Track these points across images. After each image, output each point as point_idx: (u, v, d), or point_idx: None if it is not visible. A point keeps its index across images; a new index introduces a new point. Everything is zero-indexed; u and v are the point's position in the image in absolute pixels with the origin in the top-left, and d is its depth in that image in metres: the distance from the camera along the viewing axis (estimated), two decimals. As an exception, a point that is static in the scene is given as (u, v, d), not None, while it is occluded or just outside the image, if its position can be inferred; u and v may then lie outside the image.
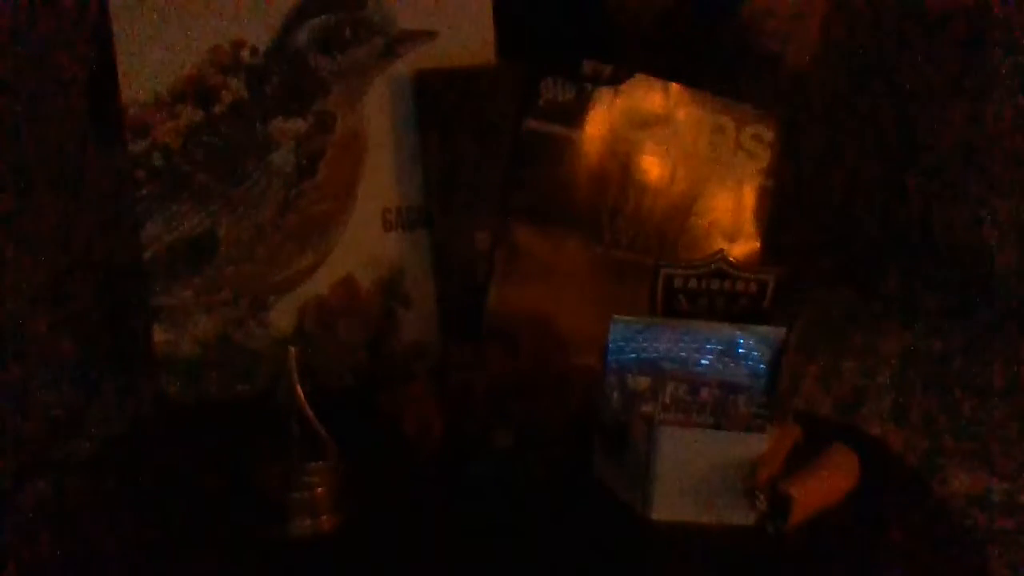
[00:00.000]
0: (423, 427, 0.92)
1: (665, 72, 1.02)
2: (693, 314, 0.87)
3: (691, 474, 0.83)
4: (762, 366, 0.83)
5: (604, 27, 1.05)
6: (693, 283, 0.87)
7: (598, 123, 1.02)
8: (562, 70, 1.02)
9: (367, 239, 1.06)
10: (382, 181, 1.06)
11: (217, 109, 1.03)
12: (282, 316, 1.06)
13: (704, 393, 0.83)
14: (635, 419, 0.84)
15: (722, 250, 0.88)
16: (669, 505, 0.83)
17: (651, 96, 1.03)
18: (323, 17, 1.04)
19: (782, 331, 0.83)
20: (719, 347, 0.83)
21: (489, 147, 1.04)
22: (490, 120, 1.04)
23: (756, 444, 0.82)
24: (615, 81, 1.01)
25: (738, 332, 0.83)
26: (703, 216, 1.04)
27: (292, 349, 0.83)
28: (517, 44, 1.05)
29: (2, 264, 1.12)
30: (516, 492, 0.87)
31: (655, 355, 0.84)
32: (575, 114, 1.02)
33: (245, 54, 1.03)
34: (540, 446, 0.90)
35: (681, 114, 1.03)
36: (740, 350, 0.83)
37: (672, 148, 1.03)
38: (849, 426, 1.14)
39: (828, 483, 0.84)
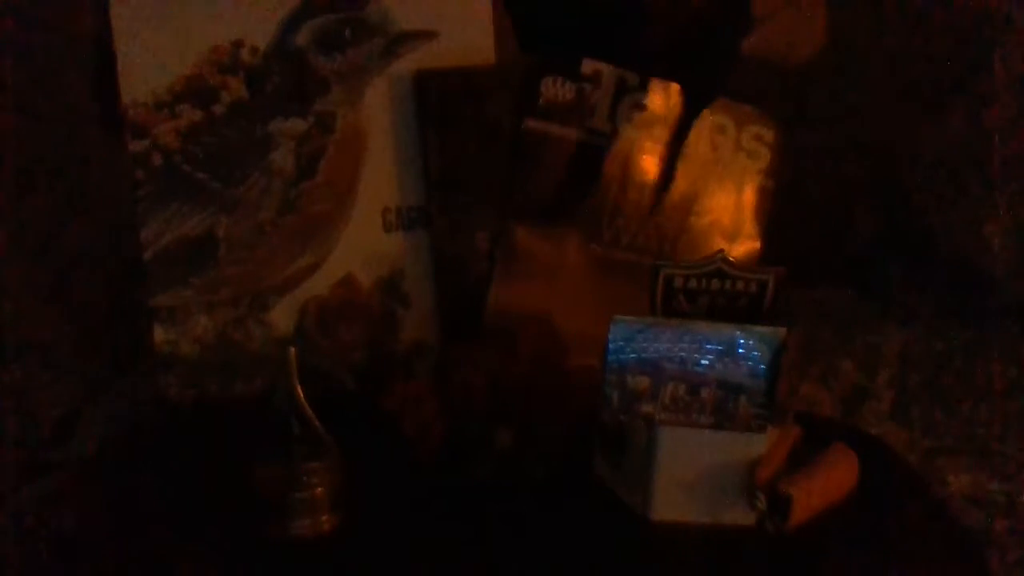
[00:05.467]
0: (423, 427, 0.92)
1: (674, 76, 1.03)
2: (693, 314, 0.87)
3: (691, 474, 0.83)
4: (762, 366, 0.83)
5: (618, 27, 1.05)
6: (693, 283, 0.87)
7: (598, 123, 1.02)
8: (562, 70, 1.02)
9: (367, 239, 1.06)
10: (382, 181, 1.06)
11: (217, 109, 1.03)
12: (282, 316, 1.06)
13: (704, 393, 0.83)
14: (635, 419, 0.84)
15: (722, 250, 0.88)
16: (669, 505, 0.83)
17: (651, 96, 1.03)
18: (323, 17, 1.04)
19: (782, 331, 0.83)
20: (719, 347, 0.83)
21: (489, 147, 1.04)
22: (490, 120, 1.04)
23: (756, 444, 0.82)
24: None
25: (738, 332, 0.83)
26: (703, 216, 1.04)
27: (292, 349, 0.83)
28: (528, 41, 1.05)
29: (2, 264, 1.12)
30: (516, 492, 0.87)
31: (655, 355, 0.84)
32: (575, 114, 1.02)
33: (245, 54, 1.03)
34: (540, 446, 0.90)
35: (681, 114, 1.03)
36: (740, 350, 0.83)
37: (672, 148, 1.03)
38: (849, 426, 1.14)
39: (828, 483, 0.84)
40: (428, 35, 1.05)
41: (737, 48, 1.01)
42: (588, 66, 1.02)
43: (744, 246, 1.05)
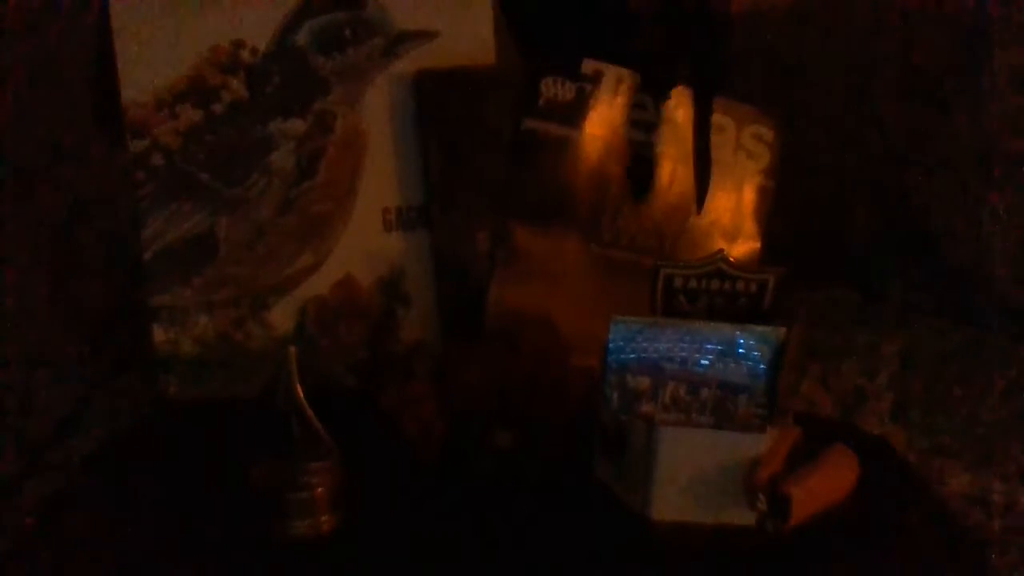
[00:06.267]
0: (423, 427, 0.92)
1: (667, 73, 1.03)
2: (693, 314, 0.87)
3: (691, 474, 0.83)
4: (762, 366, 0.83)
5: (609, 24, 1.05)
6: (693, 283, 0.87)
7: (598, 123, 1.02)
8: (562, 70, 1.02)
9: (367, 239, 1.06)
10: (382, 181, 1.06)
11: (217, 109, 1.03)
12: (282, 316, 1.06)
13: (704, 393, 0.83)
14: (635, 419, 0.84)
15: (722, 250, 0.88)
16: (669, 505, 0.83)
17: (651, 95, 1.03)
18: (323, 17, 1.04)
19: (782, 331, 0.83)
20: (719, 347, 0.83)
21: (489, 147, 1.04)
22: (490, 120, 1.04)
23: (756, 444, 0.82)
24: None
25: (738, 332, 0.83)
26: (703, 216, 1.04)
27: (292, 349, 0.83)
28: (526, 41, 1.05)
29: (2, 264, 1.12)
30: (516, 492, 0.87)
31: (655, 355, 0.84)
32: (575, 114, 1.02)
33: (245, 54, 1.03)
34: (540, 446, 0.90)
35: (681, 114, 1.03)
36: (740, 350, 0.83)
37: (672, 148, 1.03)
38: (849, 426, 1.14)
39: (828, 483, 0.84)
40: (428, 35, 1.05)
41: (729, 14, 1.01)
42: (588, 66, 1.02)
43: (744, 246, 1.05)
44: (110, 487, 0.92)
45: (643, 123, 1.03)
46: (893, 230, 1.17)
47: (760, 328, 0.83)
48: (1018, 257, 1.15)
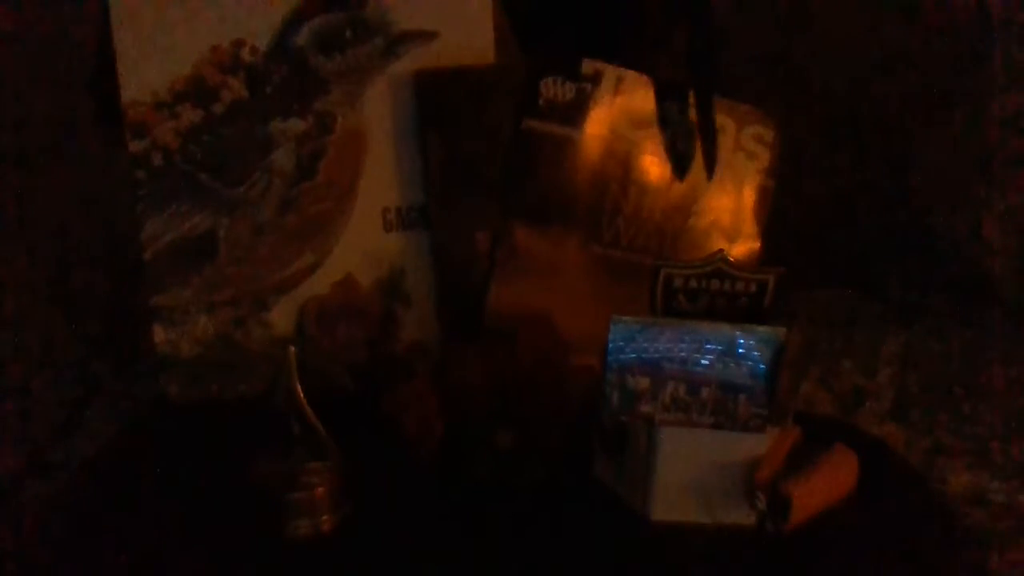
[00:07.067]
0: (423, 427, 0.92)
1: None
2: (693, 314, 0.87)
3: (691, 474, 0.83)
4: (762, 366, 0.83)
5: (607, 25, 1.05)
6: (693, 283, 0.87)
7: (598, 123, 1.02)
8: (562, 70, 1.02)
9: (367, 239, 1.06)
10: (382, 181, 1.06)
11: (217, 109, 1.03)
12: (282, 316, 1.06)
13: (704, 393, 0.83)
14: (635, 419, 0.84)
15: (722, 250, 0.88)
16: (669, 505, 0.83)
17: (651, 96, 1.03)
18: (323, 17, 1.04)
19: (782, 331, 0.83)
20: (719, 347, 0.83)
21: (489, 147, 1.04)
22: (490, 120, 1.04)
23: (756, 444, 0.82)
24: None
25: (738, 332, 0.83)
26: (703, 216, 1.04)
27: (292, 349, 0.83)
28: (526, 41, 1.05)
29: (2, 264, 1.12)
30: (516, 492, 0.87)
31: (655, 355, 0.84)
32: (575, 114, 1.02)
33: (245, 54, 1.03)
34: (540, 446, 0.90)
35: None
36: (740, 350, 0.83)
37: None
38: (849, 426, 1.14)
39: (828, 483, 0.84)
40: (428, 35, 1.05)
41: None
42: (588, 66, 1.02)
43: (744, 246, 1.05)
44: (110, 487, 0.92)
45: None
46: (893, 230, 1.17)
47: (760, 328, 0.83)
48: (1018, 257, 1.15)
